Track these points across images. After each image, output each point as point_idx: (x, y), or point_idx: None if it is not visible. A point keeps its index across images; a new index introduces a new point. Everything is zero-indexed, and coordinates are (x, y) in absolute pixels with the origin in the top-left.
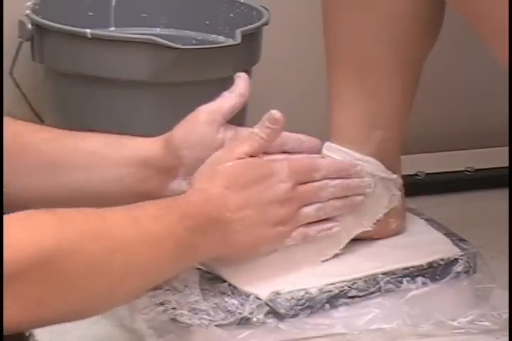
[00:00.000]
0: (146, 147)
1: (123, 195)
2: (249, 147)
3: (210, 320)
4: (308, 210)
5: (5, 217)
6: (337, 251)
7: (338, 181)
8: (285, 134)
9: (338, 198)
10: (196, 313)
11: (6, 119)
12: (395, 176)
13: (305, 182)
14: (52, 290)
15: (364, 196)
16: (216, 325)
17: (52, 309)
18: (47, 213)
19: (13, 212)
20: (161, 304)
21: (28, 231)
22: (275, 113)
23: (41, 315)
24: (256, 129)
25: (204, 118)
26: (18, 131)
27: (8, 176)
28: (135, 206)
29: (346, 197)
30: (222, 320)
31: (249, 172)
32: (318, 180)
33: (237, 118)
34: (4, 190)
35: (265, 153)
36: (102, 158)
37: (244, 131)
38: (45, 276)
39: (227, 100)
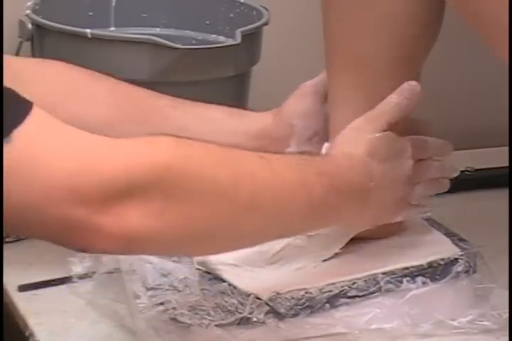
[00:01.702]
0: (261, 119)
1: None
2: (390, 118)
3: (210, 320)
4: (418, 190)
5: (124, 140)
6: (337, 250)
7: (438, 163)
8: None
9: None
10: (196, 313)
11: (119, 83)
12: None
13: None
14: (173, 203)
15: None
16: (216, 325)
17: (172, 224)
18: (170, 136)
19: None
20: (161, 304)
21: (148, 145)
22: (415, 84)
23: (161, 229)
24: (394, 99)
25: (309, 90)
26: (140, 95)
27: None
28: (270, 153)
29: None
30: (222, 319)
31: (390, 147)
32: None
33: None
34: None
35: None
36: (223, 126)
37: None
38: (167, 188)
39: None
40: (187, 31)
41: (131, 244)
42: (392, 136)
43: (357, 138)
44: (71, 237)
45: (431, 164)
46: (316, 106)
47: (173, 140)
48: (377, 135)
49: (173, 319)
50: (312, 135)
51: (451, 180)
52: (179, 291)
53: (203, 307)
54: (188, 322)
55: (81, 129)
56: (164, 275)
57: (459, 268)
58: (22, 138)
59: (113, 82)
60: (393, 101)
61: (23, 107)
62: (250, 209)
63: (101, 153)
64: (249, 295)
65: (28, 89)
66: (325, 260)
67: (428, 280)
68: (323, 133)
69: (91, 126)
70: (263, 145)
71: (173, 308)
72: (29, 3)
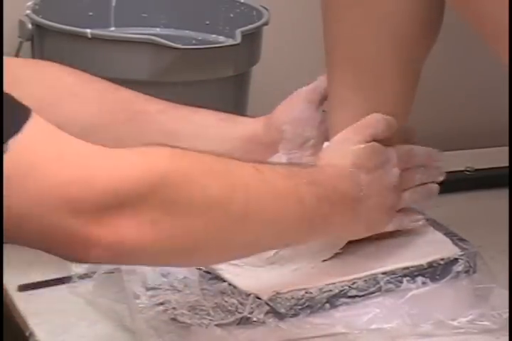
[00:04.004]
0: (252, 124)
1: None
2: (375, 131)
3: (210, 320)
4: (405, 196)
5: (118, 150)
6: (337, 250)
7: (423, 168)
8: None
9: (419, 185)
10: (196, 313)
11: (110, 86)
12: None
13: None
14: (167, 214)
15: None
16: (216, 325)
17: (166, 234)
18: (164, 146)
19: None
20: (161, 304)
21: (142, 156)
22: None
23: (154, 240)
24: (381, 116)
25: (303, 97)
26: (129, 98)
27: (119, 141)
28: (261, 163)
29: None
30: (222, 319)
31: (375, 157)
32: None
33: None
34: None
35: None
36: (215, 131)
37: None
38: (161, 199)
39: (324, 81)
40: (187, 31)
41: (125, 255)
42: (377, 147)
43: (342, 149)
44: (65, 248)
45: (416, 171)
46: (307, 112)
47: (168, 151)
48: (361, 146)
49: (173, 319)
50: (302, 142)
51: (442, 183)
52: (179, 291)
53: (203, 307)
54: (188, 322)
55: (73, 130)
56: (164, 276)
57: (459, 268)
58: (19, 147)
59: (104, 85)
60: (380, 116)
61: (22, 114)
62: (243, 220)
63: (96, 163)
64: (249, 295)
65: (24, 91)
66: (325, 260)
67: (428, 280)
68: (315, 139)
69: (82, 127)
70: (253, 150)
71: (173, 308)
72: (29, 3)
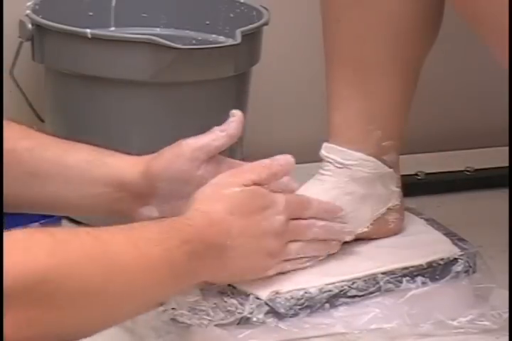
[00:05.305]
0: (126, 170)
1: (98, 210)
2: (256, 176)
3: (210, 320)
4: (293, 247)
5: (5, 235)
6: (337, 250)
7: (324, 223)
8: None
9: (319, 240)
10: (196, 313)
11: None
12: (391, 169)
13: (295, 218)
14: (46, 312)
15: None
16: (216, 325)
17: (45, 331)
18: (43, 233)
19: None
20: (161, 304)
21: (23, 252)
22: (290, 158)
23: (34, 337)
24: (267, 161)
25: (187, 155)
26: (9, 136)
27: None
28: (136, 227)
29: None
30: (222, 319)
31: (253, 201)
32: (306, 218)
33: None
34: None
35: None
36: (81, 174)
37: (228, 163)
38: (40, 297)
39: (216, 139)
40: (187, 31)
41: None
42: (256, 192)
43: (218, 193)
44: None
45: (313, 224)
46: (189, 173)
47: (50, 243)
48: (237, 190)
49: (173, 319)
50: (177, 197)
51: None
52: None
53: (203, 308)
54: (188, 322)
55: None
56: None
57: (458, 268)
58: None
59: None
60: (264, 163)
61: None
62: (121, 300)
63: None
64: (249, 295)
65: None
66: (324, 260)
67: (428, 280)
68: (190, 195)
69: None
70: (122, 197)
71: (173, 308)
72: (29, 3)
